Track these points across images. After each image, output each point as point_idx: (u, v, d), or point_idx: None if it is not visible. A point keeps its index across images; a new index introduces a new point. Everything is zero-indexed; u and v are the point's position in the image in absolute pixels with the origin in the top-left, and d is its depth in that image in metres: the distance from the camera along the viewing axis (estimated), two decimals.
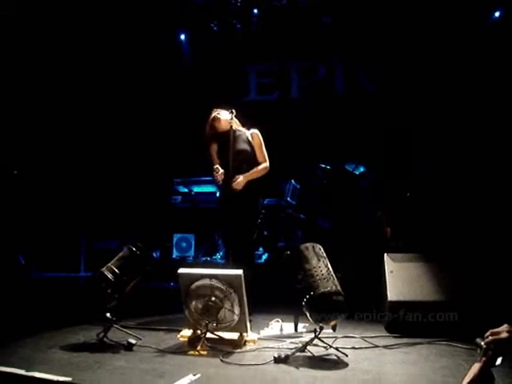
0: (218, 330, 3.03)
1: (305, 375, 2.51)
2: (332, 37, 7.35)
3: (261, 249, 6.56)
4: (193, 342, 3.04)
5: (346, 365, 2.67)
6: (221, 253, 6.53)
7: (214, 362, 2.71)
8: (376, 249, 4.35)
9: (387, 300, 3.49)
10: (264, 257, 6.56)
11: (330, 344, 2.90)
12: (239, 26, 7.59)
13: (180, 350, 2.97)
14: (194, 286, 3.02)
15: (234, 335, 3.07)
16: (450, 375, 2.47)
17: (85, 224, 7.13)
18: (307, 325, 3.47)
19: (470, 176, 6.04)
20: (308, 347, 2.84)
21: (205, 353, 2.87)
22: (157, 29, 7.49)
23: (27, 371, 2.46)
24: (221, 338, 3.04)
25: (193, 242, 6.92)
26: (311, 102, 7.72)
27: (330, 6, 7.22)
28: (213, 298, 2.98)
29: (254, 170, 3.78)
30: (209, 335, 2.99)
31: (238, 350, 2.95)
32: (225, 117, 3.78)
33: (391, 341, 3.18)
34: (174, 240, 6.96)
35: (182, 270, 3.11)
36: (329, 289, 2.77)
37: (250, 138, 3.87)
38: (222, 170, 3.65)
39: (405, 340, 3.17)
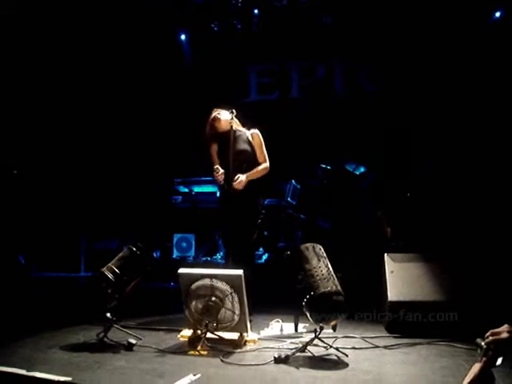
0: (218, 330, 3.03)
1: (305, 375, 2.51)
2: (332, 37, 7.36)
3: (261, 249, 6.57)
4: (193, 342, 3.04)
5: (346, 365, 2.67)
6: (221, 253, 6.53)
7: (214, 362, 2.71)
8: (376, 249, 4.35)
9: (387, 300, 3.49)
10: (264, 257, 6.57)
11: (331, 344, 2.89)
12: (240, 27, 7.60)
13: (180, 350, 2.97)
14: (194, 286, 3.02)
15: (234, 335, 3.07)
16: (450, 375, 2.47)
17: (85, 224, 7.13)
18: (307, 325, 3.47)
19: (470, 176, 6.04)
20: (308, 347, 2.84)
21: (205, 353, 2.87)
22: (157, 29, 7.49)
23: (28, 371, 2.46)
24: (221, 338, 3.04)
25: (193, 242, 6.93)
26: (311, 102, 7.73)
27: (330, 6, 7.22)
28: (213, 298, 2.98)
29: (255, 170, 3.77)
30: (209, 335, 2.99)
31: (238, 350, 2.94)
32: (225, 117, 3.78)
33: (391, 341, 3.18)
34: (175, 240, 6.96)
35: (182, 270, 3.11)
36: (329, 289, 2.77)
37: (250, 138, 3.87)
38: (222, 170, 3.65)
39: (405, 340, 3.17)
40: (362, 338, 3.22)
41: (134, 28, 7.30)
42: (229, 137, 3.66)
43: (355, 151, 6.83)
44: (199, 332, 3.07)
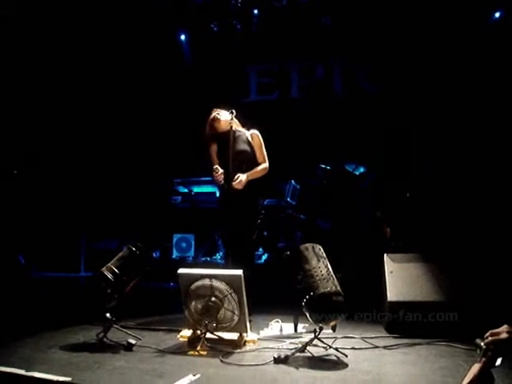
0: (217, 331, 3.03)
1: (304, 376, 2.51)
2: (331, 37, 7.36)
3: (261, 249, 6.57)
4: (192, 342, 3.04)
5: (345, 365, 2.67)
6: (220, 253, 6.53)
7: (213, 362, 2.71)
8: (376, 249, 4.35)
9: (387, 300, 3.49)
10: (264, 257, 6.57)
11: (330, 344, 2.89)
12: (239, 27, 7.60)
13: (180, 350, 2.97)
14: (193, 286, 3.02)
15: (234, 335, 3.07)
16: (450, 376, 2.47)
17: (85, 224, 7.13)
18: (307, 325, 3.47)
19: (470, 176, 6.04)
20: (308, 348, 2.84)
21: (204, 353, 2.86)
22: (157, 29, 7.50)
23: (27, 371, 2.46)
24: (220, 339, 3.04)
25: (193, 243, 6.93)
26: (311, 102, 7.73)
27: (330, 6, 7.23)
28: (213, 299, 2.98)
29: (254, 170, 3.77)
30: (208, 335, 2.99)
31: (238, 351, 2.94)
32: (225, 117, 3.78)
33: (391, 341, 3.18)
34: (174, 240, 6.96)
35: (181, 270, 3.11)
36: (329, 289, 2.77)
37: (249, 139, 3.87)
38: (221, 170, 3.65)
39: (404, 340, 3.17)
40: (362, 338, 3.22)
41: (133, 28, 7.31)
42: (228, 137, 3.66)
43: (355, 151, 6.83)
44: (199, 332, 3.07)
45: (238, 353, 2.91)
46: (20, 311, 4.13)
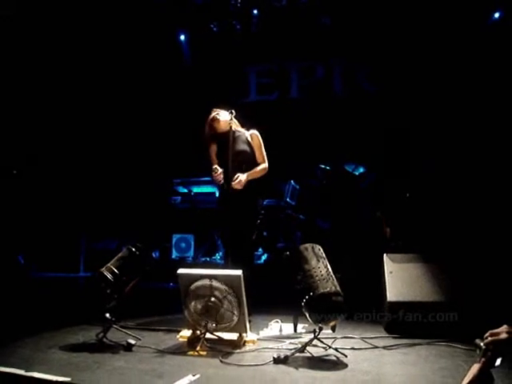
0: (217, 331, 3.03)
1: (304, 376, 2.51)
2: (331, 37, 7.36)
3: (260, 249, 6.57)
4: (192, 342, 3.04)
5: (345, 365, 2.67)
6: (220, 253, 6.53)
7: (213, 362, 2.71)
8: (375, 249, 4.35)
9: (387, 300, 3.49)
10: (263, 257, 6.57)
11: (330, 345, 2.89)
12: (239, 27, 7.61)
13: (179, 350, 2.97)
14: (193, 286, 3.02)
15: (234, 336, 3.07)
16: (450, 376, 2.47)
17: (85, 224, 7.13)
18: (306, 325, 3.47)
19: (470, 176, 6.04)
20: (307, 348, 2.84)
21: (204, 353, 2.86)
22: (157, 29, 7.50)
23: (26, 371, 2.46)
24: (220, 339, 3.04)
25: (192, 243, 6.93)
26: (311, 103, 7.73)
27: (329, 6, 7.23)
28: (212, 299, 2.98)
29: (254, 170, 3.77)
30: (208, 336, 2.99)
31: (238, 351, 2.94)
32: (224, 117, 3.78)
33: (391, 341, 3.18)
34: (174, 240, 6.96)
35: (181, 271, 3.11)
36: (328, 289, 2.77)
37: (249, 139, 3.87)
38: (221, 170, 3.65)
39: (404, 341, 3.16)
40: (361, 338, 3.22)
41: (133, 28, 7.31)
42: (228, 137, 3.65)
43: (354, 151, 6.83)
44: (198, 332, 3.06)
45: (238, 353, 2.90)
46: (20, 311, 4.13)
